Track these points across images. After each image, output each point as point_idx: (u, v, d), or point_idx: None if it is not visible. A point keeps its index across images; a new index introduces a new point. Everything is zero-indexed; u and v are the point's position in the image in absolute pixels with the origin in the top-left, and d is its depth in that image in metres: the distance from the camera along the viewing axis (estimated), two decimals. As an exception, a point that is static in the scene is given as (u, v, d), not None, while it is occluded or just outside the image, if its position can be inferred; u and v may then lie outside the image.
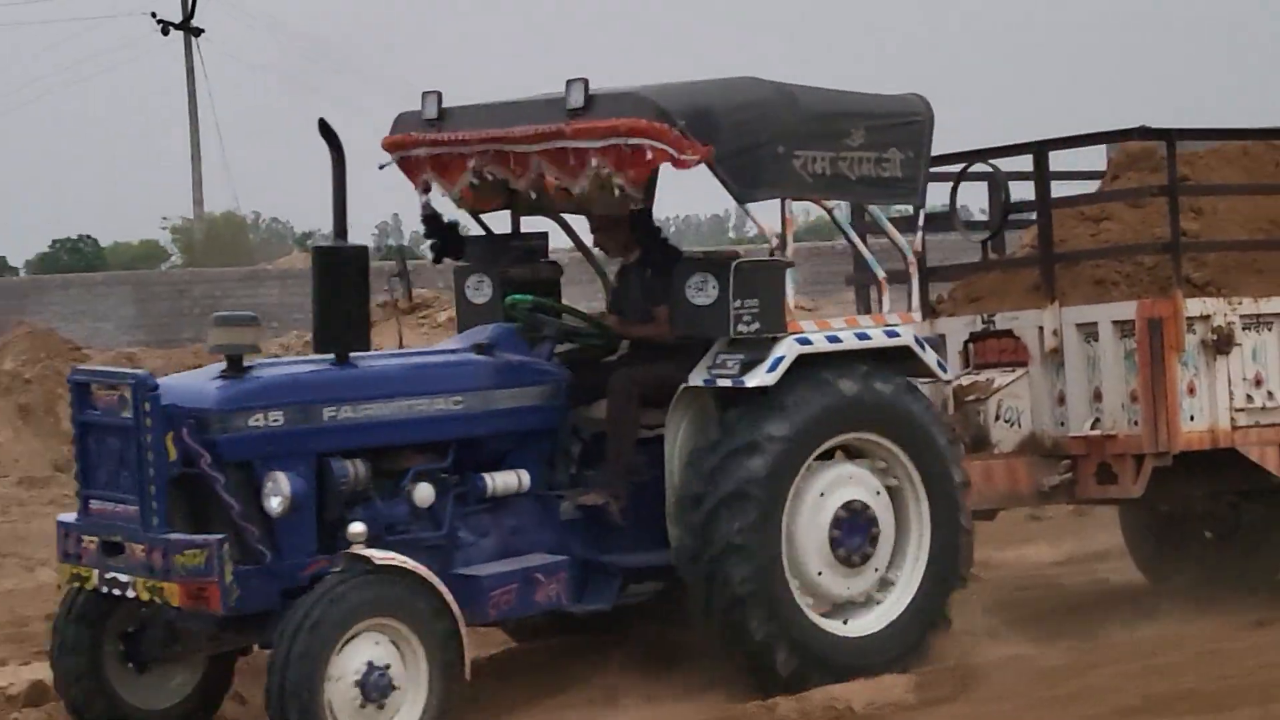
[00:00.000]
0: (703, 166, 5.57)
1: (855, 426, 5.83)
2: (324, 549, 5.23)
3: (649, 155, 5.47)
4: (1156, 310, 6.40)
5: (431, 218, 6.45)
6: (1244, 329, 6.54)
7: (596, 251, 6.70)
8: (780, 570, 5.61)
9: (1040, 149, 7.03)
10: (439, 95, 6.22)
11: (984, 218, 7.77)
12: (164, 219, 51.16)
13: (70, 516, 5.54)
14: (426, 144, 6.22)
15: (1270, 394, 6.59)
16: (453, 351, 6.07)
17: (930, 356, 6.06)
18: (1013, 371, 7.04)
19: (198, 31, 41.97)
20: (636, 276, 6.18)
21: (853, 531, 5.79)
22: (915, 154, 6.23)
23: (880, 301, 6.30)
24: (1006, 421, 7.04)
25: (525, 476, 5.68)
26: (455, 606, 5.03)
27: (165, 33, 42.24)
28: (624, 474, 5.77)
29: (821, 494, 5.74)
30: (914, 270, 6.26)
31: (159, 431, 5.00)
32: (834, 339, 5.80)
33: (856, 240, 6.47)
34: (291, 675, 4.77)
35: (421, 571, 5.02)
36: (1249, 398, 6.54)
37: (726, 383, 5.57)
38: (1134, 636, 6.40)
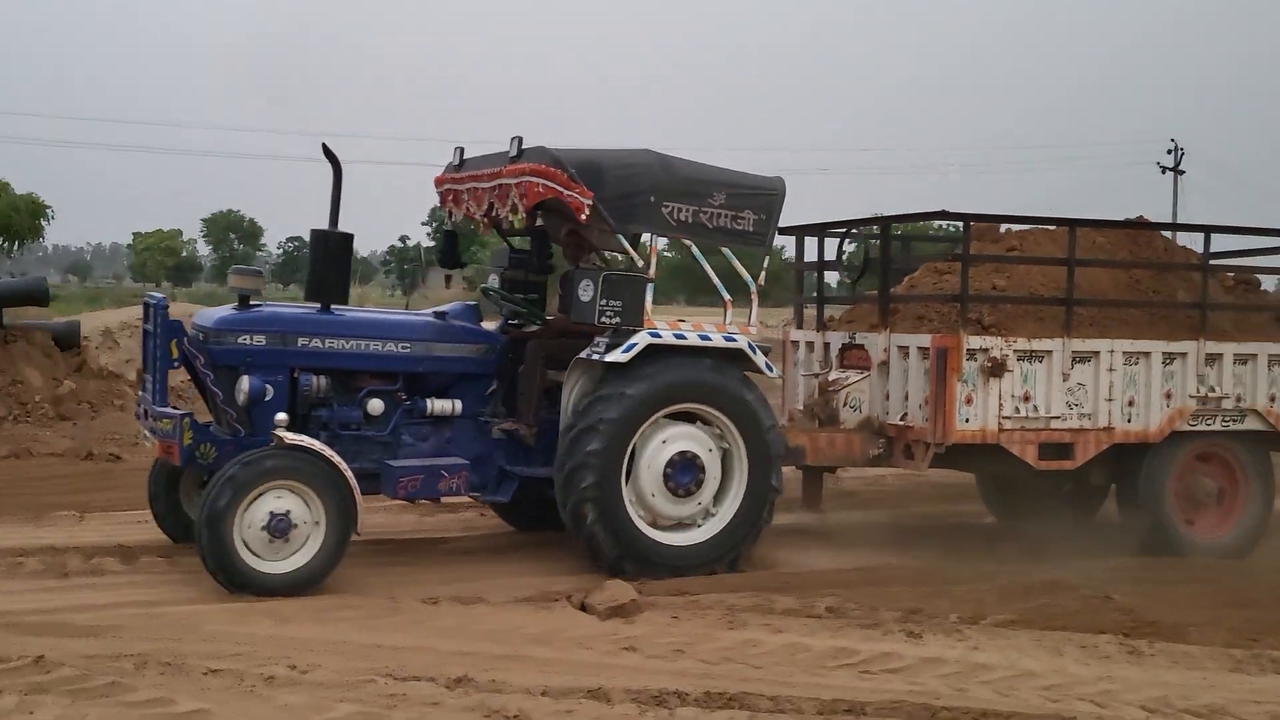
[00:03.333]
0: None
1: (693, 398, 8.03)
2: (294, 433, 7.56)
3: (541, 189, 7.70)
4: (944, 342, 8.82)
5: (447, 233, 9.00)
6: (1018, 359, 8.95)
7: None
8: (617, 485, 7.78)
9: (886, 223, 9.56)
10: (462, 150, 8.74)
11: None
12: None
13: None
14: (448, 182, 8.88)
15: (1036, 407, 9.04)
16: (415, 314, 8.57)
17: (760, 359, 8.26)
18: (861, 374, 9.64)
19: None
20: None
21: (684, 472, 8.03)
22: (767, 217, 8.31)
23: (725, 316, 8.44)
24: (851, 408, 9.63)
25: (459, 404, 8.16)
26: (349, 475, 7.13)
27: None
28: (532, 412, 8.20)
29: (664, 442, 7.99)
30: (755, 298, 8.54)
31: (164, 338, 7.48)
32: (680, 336, 8.03)
33: (709, 269, 8.52)
34: (210, 515, 6.90)
35: (317, 448, 7.16)
36: (1017, 409, 8.97)
37: (597, 356, 7.87)
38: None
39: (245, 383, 7.58)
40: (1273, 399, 9.70)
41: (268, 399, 7.66)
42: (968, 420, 8.87)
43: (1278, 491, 10.00)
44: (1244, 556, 9.68)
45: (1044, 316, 9.22)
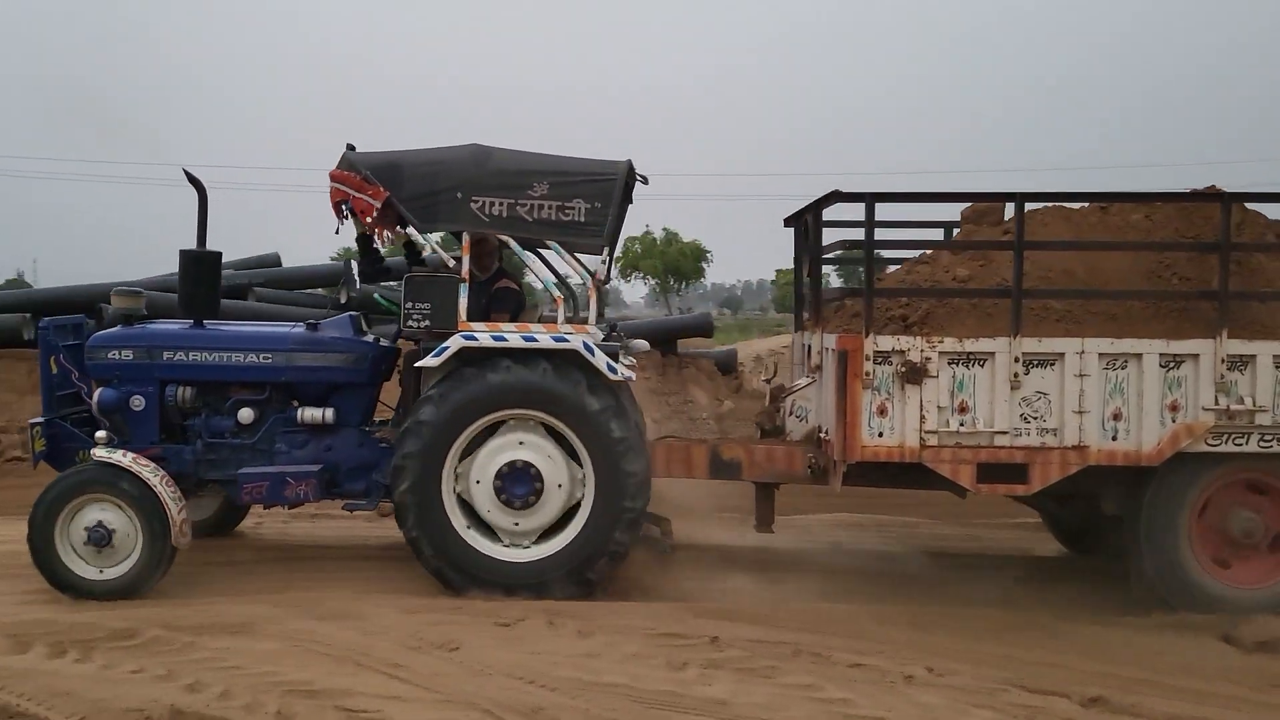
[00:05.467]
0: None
1: (524, 404, 7.54)
2: (167, 439, 8.03)
3: (335, 192, 7.58)
4: (845, 344, 7.60)
5: (361, 238, 8.31)
6: (949, 364, 7.56)
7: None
8: (436, 490, 7.48)
9: (817, 208, 8.36)
10: (349, 146, 8.04)
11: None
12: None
13: None
14: None
15: (976, 420, 7.60)
16: (284, 325, 8.48)
17: (600, 360, 7.53)
18: (809, 379, 8.55)
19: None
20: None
21: (518, 483, 7.58)
22: (603, 205, 7.56)
23: (558, 313, 7.84)
24: (797, 417, 8.60)
25: (329, 413, 8.05)
26: (158, 488, 7.45)
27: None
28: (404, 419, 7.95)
29: (495, 450, 7.58)
30: (593, 293, 7.87)
31: (45, 355, 8.08)
32: (499, 338, 7.55)
33: (532, 264, 8.08)
34: (32, 527, 7.47)
35: (124, 463, 7.51)
36: (947, 422, 7.55)
37: (420, 363, 7.64)
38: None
39: (98, 395, 8.05)
40: (1344, 413, 7.53)
41: (139, 409, 8.08)
42: (881, 434, 7.63)
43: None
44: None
45: (992, 313, 7.74)
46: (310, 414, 8.10)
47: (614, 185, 7.64)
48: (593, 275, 7.80)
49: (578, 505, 7.75)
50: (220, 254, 8.29)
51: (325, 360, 8.17)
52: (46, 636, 6.53)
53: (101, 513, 7.59)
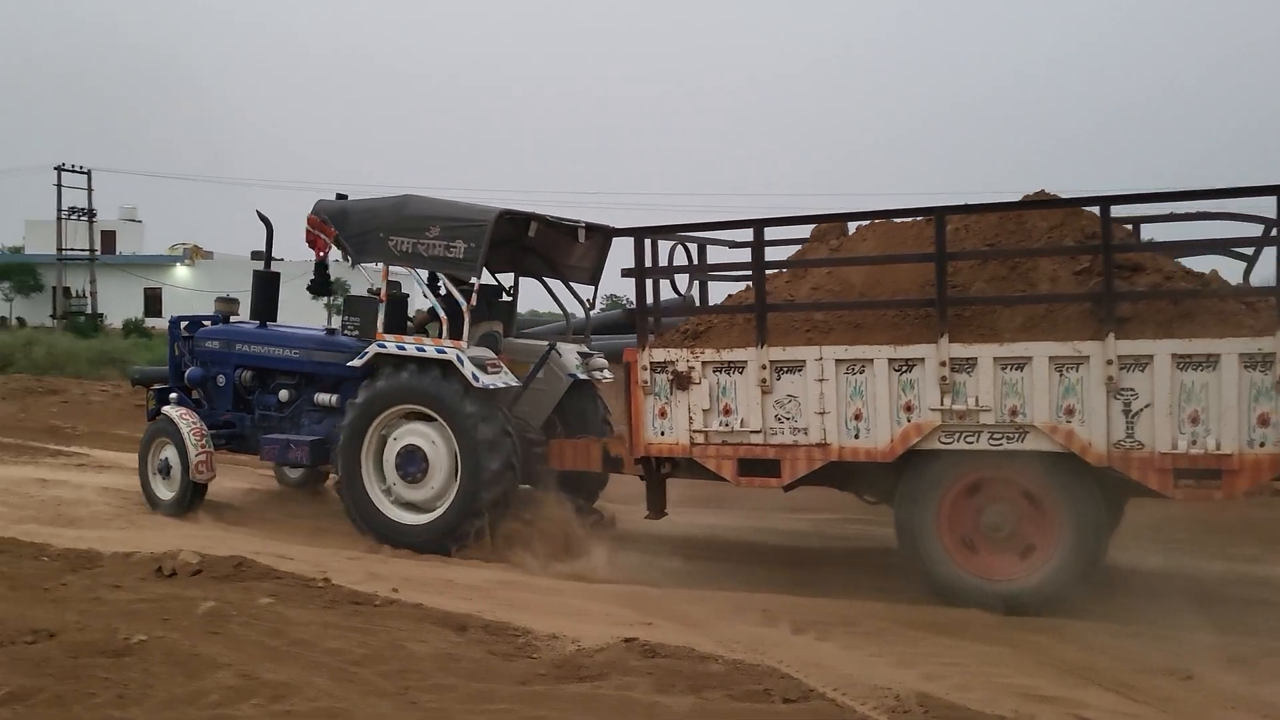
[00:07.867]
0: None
1: (413, 400, 9.56)
2: (237, 408, 10.95)
3: (307, 233, 9.97)
4: (627, 355, 8.90)
5: (317, 264, 10.90)
6: (714, 371, 8.56)
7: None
8: (356, 458, 9.72)
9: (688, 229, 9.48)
10: (336, 195, 10.45)
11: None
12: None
13: None
14: None
15: (742, 421, 8.49)
16: (315, 329, 11.12)
17: (468, 369, 9.32)
18: None
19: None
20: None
21: (410, 462, 9.59)
22: (475, 245, 9.27)
23: (441, 331, 9.79)
24: None
25: (336, 398, 10.53)
26: (187, 437, 10.32)
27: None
28: None
29: (394, 438, 9.68)
30: (467, 315, 9.62)
31: (172, 341, 11.38)
32: (401, 348, 9.60)
33: (427, 292, 9.96)
34: (140, 460, 10.65)
35: (174, 416, 10.50)
36: (712, 422, 8.57)
37: (349, 363, 10.01)
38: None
39: (188, 373, 11.28)
40: (1070, 411, 7.63)
41: (221, 386, 11.20)
42: (663, 434, 8.81)
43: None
44: (1045, 611, 7.77)
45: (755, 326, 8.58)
46: (321, 398, 10.71)
47: (485, 229, 9.38)
48: (466, 302, 9.71)
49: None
50: (279, 274, 11.34)
51: (333, 357, 10.70)
52: (789, 615, 7.58)
53: (167, 451, 10.76)
